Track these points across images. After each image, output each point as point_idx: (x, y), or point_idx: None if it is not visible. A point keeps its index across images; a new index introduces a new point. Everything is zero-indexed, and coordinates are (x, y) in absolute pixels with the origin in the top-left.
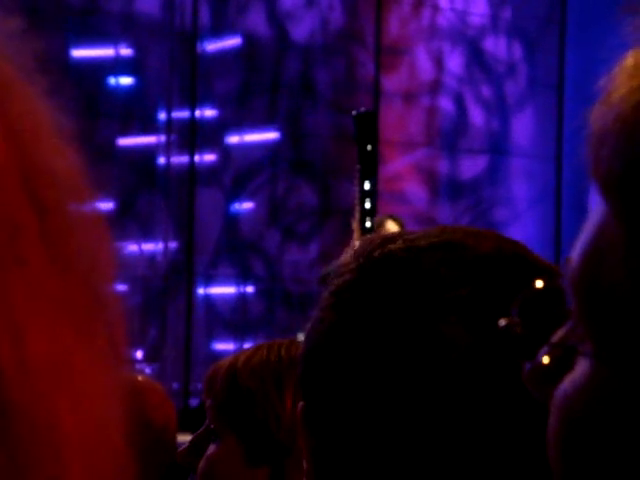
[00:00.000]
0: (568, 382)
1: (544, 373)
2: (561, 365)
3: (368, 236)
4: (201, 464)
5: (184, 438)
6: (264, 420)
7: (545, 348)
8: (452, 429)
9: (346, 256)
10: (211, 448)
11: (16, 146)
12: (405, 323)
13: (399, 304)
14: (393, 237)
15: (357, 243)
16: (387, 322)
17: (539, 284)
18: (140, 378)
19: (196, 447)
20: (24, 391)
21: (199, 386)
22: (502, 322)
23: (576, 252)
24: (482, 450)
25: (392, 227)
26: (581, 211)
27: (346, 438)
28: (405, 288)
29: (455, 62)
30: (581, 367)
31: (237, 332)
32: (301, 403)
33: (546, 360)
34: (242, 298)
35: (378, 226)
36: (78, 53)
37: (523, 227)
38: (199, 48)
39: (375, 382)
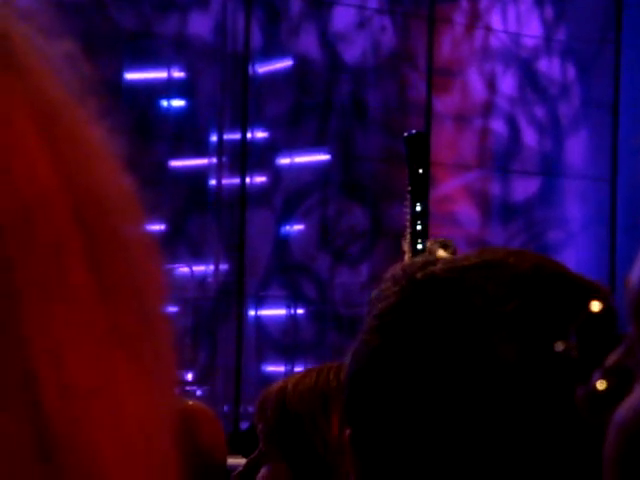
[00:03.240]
0: (626, 406)
1: (599, 398)
2: (617, 390)
3: (407, 260)
4: None
5: (235, 461)
6: (312, 444)
7: (600, 373)
8: (504, 452)
9: (387, 280)
10: (262, 471)
11: (66, 169)
12: (455, 342)
13: (447, 323)
14: (433, 260)
15: (397, 267)
16: (435, 342)
17: (596, 307)
18: (190, 401)
19: (250, 471)
20: (67, 419)
21: (249, 409)
22: (560, 346)
23: (635, 274)
24: (533, 471)
25: (442, 254)
26: (636, 233)
27: (394, 462)
28: (452, 307)
29: (508, 83)
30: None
31: (287, 354)
32: (348, 429)
33: (601, 386)
34: (292, 320)
35: (429, 253)
36: (131, 76)
37: (577, 249)
38: (251, 70)
39: (424, 404)
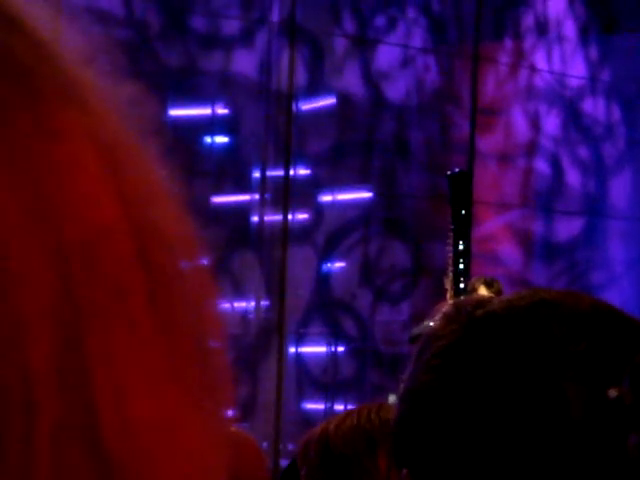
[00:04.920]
0: None
1: None
2: None
3: (459, 299)
4: None
5: None
6: None
7: None
8: None
9: (438, 319)
10: None
11: (128, 204)
12: (522, 382)
13: (513, 362)
14: (486, 299)
15: (446, 306)
16: (501, 382)
17: None
18: (236, 431)
19: None
20: (126, 452)
21: (289, 446)
22: (613, 393)
23: None
24: None
25: (484, 292)
26: None
27: None
28: (517, 346)
29: (552, 123)
30: None
31: (327, 392)
32: (404, 469)
33: None
34: (333, 358)
35: (471, 290)
36: (175, 112)
37: (620, 290)
38: (294, 107)
39: (489, 445)
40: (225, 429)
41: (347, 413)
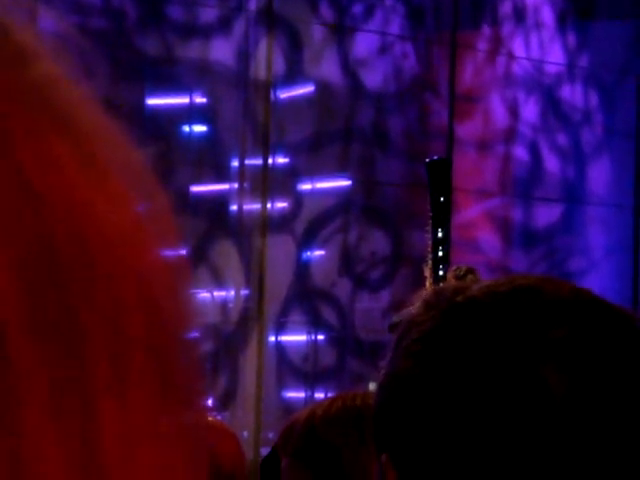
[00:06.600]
0: None
1: None
2: None
3: (438, 286)
4: None
5: None
6: (351, 472)
7: None
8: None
9: (418, 306)
10: None
11: (122, 238)
12: (502, 368)
13: (493, 348)
14: (466, 285)
15: (426, 292)
16: (482, 368)
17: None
18: (214, 422)
19: None
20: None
21: (270, 435)
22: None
23: None
24: None
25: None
26: None
27: None
28: (498, 331)
29: (530, 110)
30: None
31: (307, 380)
32: (384, 455)
33: None
34: (313, 346)
35: (449, 280)
36: (153, 101)
37: (599, 277)
38: (272, 96)
39: (468, 431)
40: (203, 422)
41: (332, 400)
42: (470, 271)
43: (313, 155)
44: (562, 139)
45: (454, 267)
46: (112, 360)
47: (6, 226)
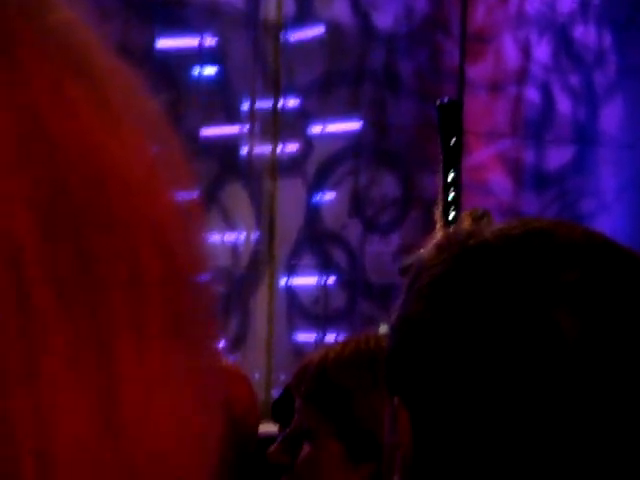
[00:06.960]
0: None
1: None
2: None
3: (450, 229)
4: (298, 465)
5: (266, 428)
6: (362, 415)
7: None
8: (559, 429)
9: (429, 249)
10: (306, 448)
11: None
12: (514, 312)
13: (505, 291)
14: (479, 229)
15: (439, 236)
16: (493, 311)
17: None
18: (226, 365)
19: (288, 446)
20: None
21: (281, 376)
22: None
23: None
24: (595, 450)
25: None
26: None
27: (448, 433)
28: (510, 275)
29: (542, 51)
30: None
31: (318, 323)
32: (396, 397)
33: None
34: (323, 289)
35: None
36: (163, 43)
37: (611, 218)
38: (282, 38)
39: (481, 373)
40: (217, 365)
41: (344, 343)
42: (485, 214)
43: (324, 97)
44: (574, 80)
45: (470, 209)
46: (129, 307)
47: (22, 170)
